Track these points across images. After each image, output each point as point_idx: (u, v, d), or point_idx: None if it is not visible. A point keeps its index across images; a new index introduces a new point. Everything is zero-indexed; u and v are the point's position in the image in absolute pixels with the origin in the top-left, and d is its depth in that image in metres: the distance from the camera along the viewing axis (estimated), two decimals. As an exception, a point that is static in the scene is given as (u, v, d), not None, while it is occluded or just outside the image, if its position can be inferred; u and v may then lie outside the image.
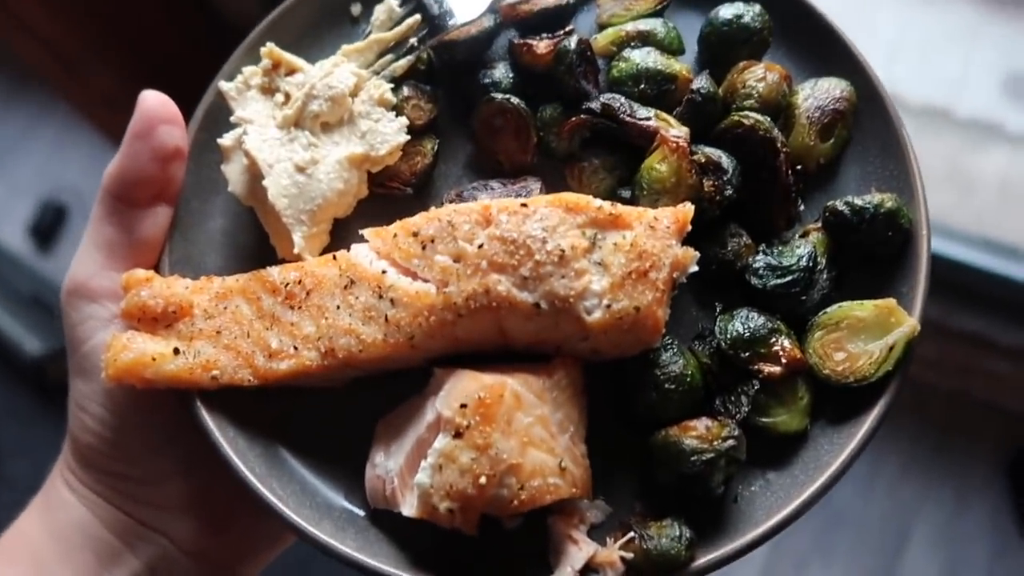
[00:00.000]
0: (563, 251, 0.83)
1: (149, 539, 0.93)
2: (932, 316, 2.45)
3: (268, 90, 1.03)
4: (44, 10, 2.11)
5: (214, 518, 0.96)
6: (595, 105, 0.96)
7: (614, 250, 0.84)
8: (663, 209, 0.87)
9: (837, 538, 2.72)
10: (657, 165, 0.92)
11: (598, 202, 0.86)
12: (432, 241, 0.87)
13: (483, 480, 0.79)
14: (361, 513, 0.89)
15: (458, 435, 0.80)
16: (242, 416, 0.92)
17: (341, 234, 1.02)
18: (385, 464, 0.87)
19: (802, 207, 0.99)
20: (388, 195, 1.03)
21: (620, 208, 0.86)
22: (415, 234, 0.88)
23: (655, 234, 0.85)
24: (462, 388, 0.82)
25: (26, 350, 2.81)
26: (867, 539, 2.72)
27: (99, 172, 0.96)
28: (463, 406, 0.81)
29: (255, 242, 1.03)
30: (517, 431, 0.80)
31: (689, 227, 0.88)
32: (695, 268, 0.88)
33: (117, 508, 0.92)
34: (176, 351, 0.89)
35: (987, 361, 2.61)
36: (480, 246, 0.84)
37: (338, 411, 0.95)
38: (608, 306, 0.82)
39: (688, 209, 0.87)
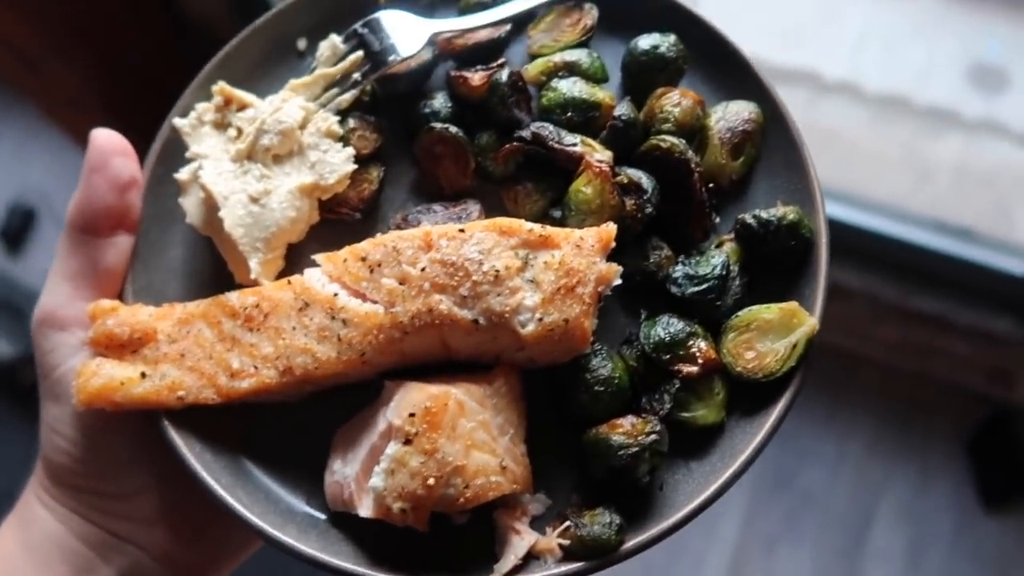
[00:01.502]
0: (498, 271, 0.92)
1: (122, 550, 0.99)
2: (892, 299, 2.55)
3: (221, 125, 1.10)
4: (6, 9, 2.10)
5: (185, 527, 1.02)
6: (526, 133, 1.05)
7: (544, 268, 0.93)
8: (588, 229, 0.96)
9: (806, 518, 2.82)
10: (583, 188, 1.01)
11: (529, 225, 0.95)
12: (379, 265, 0.95)
13: (431, 481, 0.87)
14: (322, 517, 0.97)
15: (408, 442, 0.89)
16: (207, 431, 0.99)
17: (295, 258, 1.09)
18: (343, 470, 0.95)
19: (717, 220, 1.09)
20: (338, 220, 1.10)
21: (549, 230, 0.95)
22: (363, 259, 0.96)
23: (581, 253, 0.94)
24: (410, 399, 0.90)
25: (-1, 354, 2.81)
26: (835, 518, 2.82)
27: (66, 174, 1.02)
28: (411, 415, 0.89)
29: (213, 269, 1.10)
30: (461, 435, 0.89)
31: (613, 244, 0.97)
32: (619, 281, 0.97)
33: (90, 522, 0.99)
34: (143, 375, 0.96)
35: (946, 341, 2.73)
36: (423, 269, 0.92)
37: (298, 423, 1.02)
38: (540, 319, 0.91)
39: (611, 229, 0.96)
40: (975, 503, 2.82)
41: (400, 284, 0.93)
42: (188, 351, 0.99)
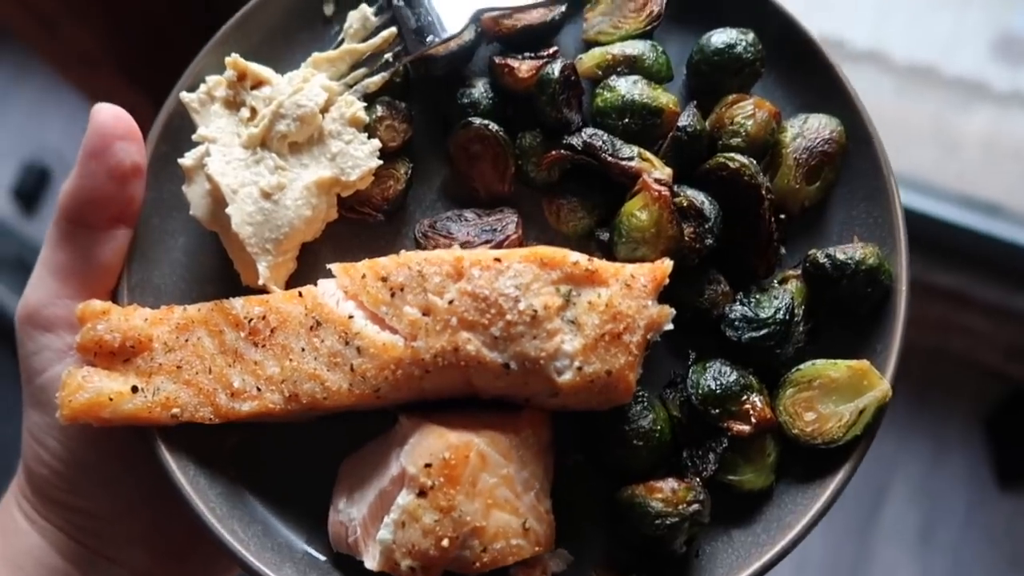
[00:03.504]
0: (535, 311, 0.80)
1: (105, 569, 0.93)
2: (912, 274, 2.51)
3: (233, 104, 0.98)
4: (19, -34, 1.98)
5: (172, 549, 0.95)
6: (576, 142, 0.92)
7: (588, 309, 0.82)
8: (640, 266, 0.84)
9: None
10: (637, 212, 0.89)
11: (574, 256, 0.83)
12: (401, 289, 0.84)
13: (446, 542, 0.78)
14: (323, 558, 0.89)
15: (422, 494, 0.79)
16: (203, 452, 0.91)
17: (308, 258, 0.99)
18: (348, 511, 0.86)
19: (783, 251, 0.97)
20: (359, 220, 0.99)
21: (596, 263, 0.84)
22: (384, 279, 0.85)
23: (631, 293, 0.82)
24: (427, 446, 0.81)
25: (10, 311, 2.78)
26: (847, 494, 2.78)
27: (81, 134, 0.91)
28: (428, 465, 0.80)
29: (220, 262, 0.99)
30: (481, 492, 0.80)
31: (667, 280, 0.86)
32: (670, 326, 0.86)
33: (72, 538, 0.91)
34: (134, 389, 0.87)
35: (965, 317, 2.66)
36: (451, 301, 0.82)
37: (302, 447, 0.93)
38: (580, 368, 0.81)
39: (666, 266, 0.85)
40: (989, 481, 2.79)
41: (424, 315, 0.82)
42: (186, 362, 0.89)
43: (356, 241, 0.99)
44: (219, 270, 0.99)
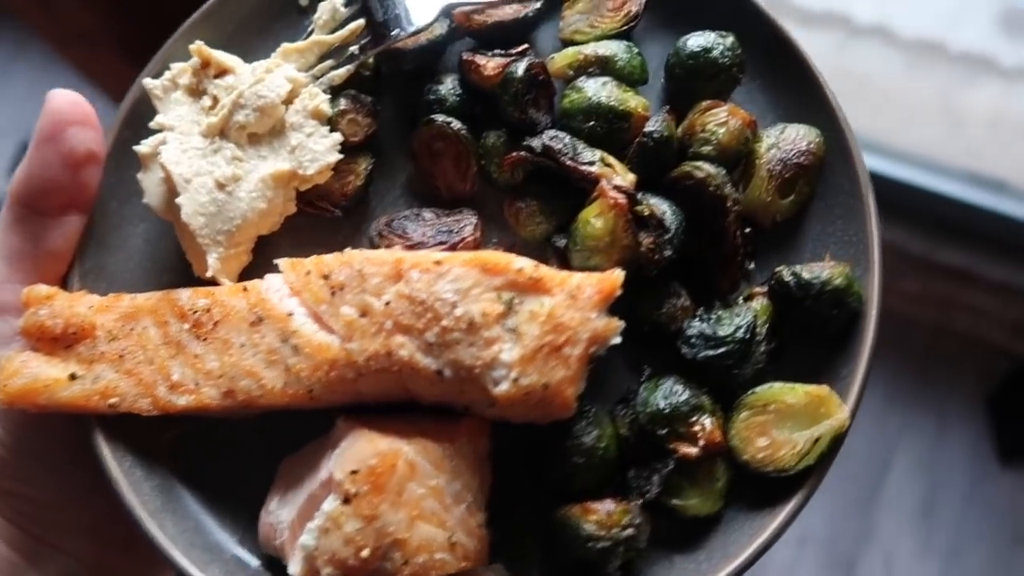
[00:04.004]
0: (473, 318, 0.78)
1: (52, 558, 0.92)
2: (917, 251, 2.52)
3: (196, 92, 0.96)
4: (16, -58, 2.00)
5: (117, 539, 0.94)
6: (536, 144, 0.89)
7: (529, 319, 0.79)
8: (588, 276, 0.81)
9: None
10: (593, 220, 0.86)
11: (519, 263, 0.80)
12: (341, 288, 0.82)
13: (365, 553, 0.76)
14: (254, 560, 0.87)
15: (347, 501, 0.77)
16: (143, 444, 0.89)
17: (266, 251, 0.97)
18: (279, 512, 0.84)
19: (751, 266, 0.93)
20: (317, 215, 0.97)
21: (542, 271, 0.81)
22: (326, 276, 0.83)
23: (575, 304, 0.79)
24: (356, 451, 0.79)
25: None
26: (850, 468, 2.79)
27: None
28: (354, 472, 0.77)
29: (181, 251, 0.98)
30: (407, 503, 0.77)
31: (618, 293, 0.82)
32: (618, 340, 0.82)
33: (18, 527, 0.91)
34: (72, 376, 0.86)
35: (970, 295, 2.65)
36: (387, 303, 0.79)
37: (246, 446, 0.91)
38: (516, 380, 0.78)
39: (616, 278, 0.81)
40: (991, 457, 2.78)
41: (361, 316, 0.80)
42: (129, 352, 0.88)
43: (315, 236, 0.97)
44: (179, 260, 0.98)
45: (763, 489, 0.84)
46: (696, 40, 0.94)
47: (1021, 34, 2.44)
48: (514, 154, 0.91)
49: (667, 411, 0.83)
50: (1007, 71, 2.45)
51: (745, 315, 0.87)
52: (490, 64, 0.94)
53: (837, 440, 0.82)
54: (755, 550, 0.81)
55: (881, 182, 2.40)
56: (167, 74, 0.97)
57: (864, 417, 2.81)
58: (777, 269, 0.88)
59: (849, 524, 2.74)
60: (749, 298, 0.90)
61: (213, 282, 0.92)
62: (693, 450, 0.82)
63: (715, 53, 0.93)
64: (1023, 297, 2.56)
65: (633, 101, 0.92)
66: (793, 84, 0.96)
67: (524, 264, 0.80)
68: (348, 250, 0.85)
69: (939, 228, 2.52)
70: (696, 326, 0.87)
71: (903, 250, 2.55)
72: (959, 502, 2.74)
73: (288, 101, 0.96)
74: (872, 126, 2.46)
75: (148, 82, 0.96)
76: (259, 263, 0.96)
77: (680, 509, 0.84)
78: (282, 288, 0.87)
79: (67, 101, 0.89)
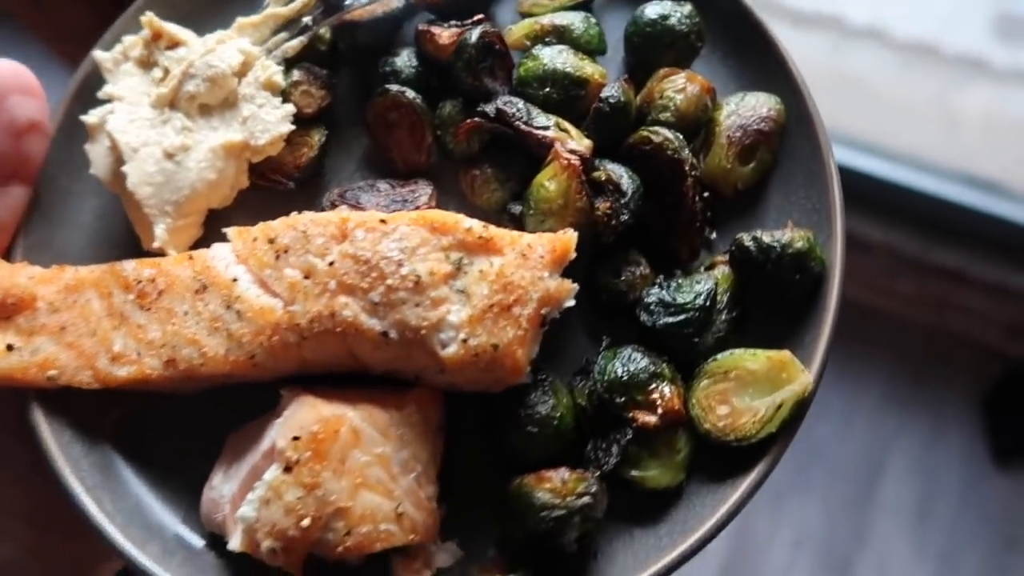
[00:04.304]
0: (419, 277, 0.75)
1: None
2: (912, 252, 2.53)
3: (147, 64, 0.95)
4: (10, -62, 2.00)
5: (58, 523, 0.90)
6: (490, 109, 0.87)
7: (479, 278, 0.76)
8: (539, 236, 0.79)
9: (815, 470, 2.77)
10: (547, 183, 0.84)
11: (468, 222, 0.78)
12: (286, 251, 0.79)
13: (307, 522, 0.72)
14: (196, 537, 0.83)
15: (288, 469, 0.74)
16: (85, 420, 0.86)
17: (220, 225, 0.93)
18: (221, 487, 0.81)
19: (713, 235, 0.91)
20: (269, 188, 0.95)
21: (492, 231, 0.78)
22: (272, 240, 0.81)
23: (526, 264, 0.77)
24: (299, 418, 0.75)
25: None
26: (844, 470, 2.78)
27: None
28: (296, 438, 0.74)
29: (131, 227, 0.95)
30: (351, 471, 0.74)
31: (573, 255, 0.80)
32: (572, 303, 0.80)
33: None
34: (9, 347, 0.83)
35: (964, 296, 2.65)
36: (331, 263, 0.77)
37: (191, 419, 0.88)
38: (465, 341, 0.75)
39: (568, 238, 0.79)
40: (986, 459, 2.76)
41: (304, 278, 0.78)
42: (70, 324, 0.85)
43: (269, 210, 0.94)
44: (129, 236, 0.95)
45: (726, 460, 0.81)
46: (653, 8, 0.92)
47: (1015, 37, 2.47)
48: (468, 121, 0.89)
49: (625, 378, 0.80)
50: (1001, 73, 2.47)
51: (706, 282, 0.85)
52: (445, 34, 0.93)
53: (800, 406, 0.79)
54: (716, 523, 0.78)
55: (876, 183, 2.42)
56: (118, 47, 0.95)
57: (858, 419, 2.80)
58: (738, 235, 0.85)
59: (844, 526, 2.72)
60: (711, 267, 0.88)
61: (161, 254, 0.90)
62: (652, 418, 0.79)
63: (672, 20, 0.92)
64: (1018, 298, 2.55)
65: (590, 68, 0.91)
66: (754, 54, 0.95)
67: (473, 224, 0.78)
68: (294, 213, 0.82)
69: (933, 229, 2.53)
70: (655, 293, 0.84)
71: (898, 251, 2.55)
72: (954, 505, 2.72)
73: (241, 74, 0.94)
74: (866, 128, 2.48)
75: (99, 54, 0.95)
76: (212, 238, 0.93)
77: (639, 481, 0.80)
78: (229, 256, 0.84)
79: (8, 71, 0.87)
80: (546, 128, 0.86)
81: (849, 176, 2.29)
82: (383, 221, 0.77)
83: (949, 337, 2.86)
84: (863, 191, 2.39)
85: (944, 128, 2.48)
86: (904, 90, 2.48)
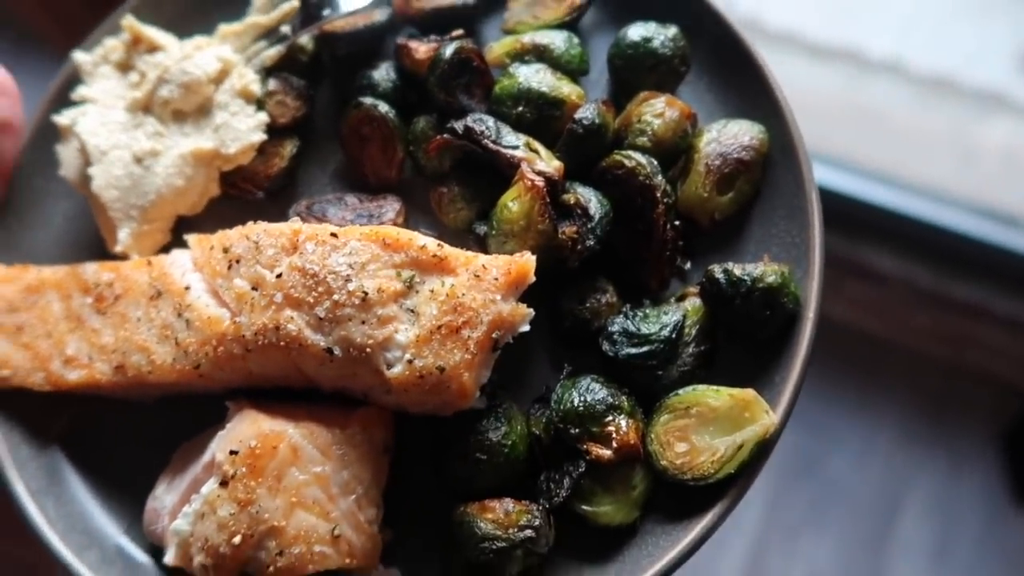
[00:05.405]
0: (366, 293, 0.73)
1: None
2: (928, 285, 2.49)
3: (125, 67, 0.95)
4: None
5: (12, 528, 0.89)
6: (458, 126, 0.85)
7: (429, 298, 0.74)
8: (495, 257, 0.76)
9: (830, 507, 2.69)
10: (510, 203, 0.81)
11: (422, 240, 0.76)
12: (238, 261, 0.78)
13: (237, 539, 0.70)
14: (137, 549, 0.82)
15: (224, 484, 0.72)
16: (35, 421, 0.85)
17: (190, 233, 0.93)
18: (164, 498, 0.79)
19: (688, 266, 0.87)
20: (239, 197, 0.94)
21: (447, 250, 0.76)
22: (226, 250, 0.80)
23: (479, 285, 0.74)
24: (239, 431, 0.74)
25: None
26: (860, 508, 2.69)
27: None
28: (233, 452, 0.72)
29: (99, 231, 0.95)
30: (287, 489, 0.72)
31: (532, 279, 0.77)
32: (526, 328, 0.77)
33: None
34: (-38, 346, 0.82)
35: (983, 331, 2.59)
36: (279, 275, 0.75)
37: (145, 428, 0.87)
38: (410, 361, 0.73)
39: (525, 261, 0.76)
40: (1006, 499, 2.65)
41: (252, 289, 0.76)
42: (28, 325, 0.84)
43: (240, 219, 0.93)
44: (100, 240, 0.95)
45: (682, 499, 0.77)
46: (636, 30, 0.90)
47: (1037, 73, 2.43)
48: (438, 138, 0.87)
49: (580, 409, 0.77)
50: (1021, 108, 2.43)
51: (673, 314, 0.81)
52: (422, 48, 0.92)
53: (762, 447, 0.75)
54: (668, 563, 0.74)
55: (893, 216, 2.39)
56: (98, 49, 0.95)
57: (875, 455, 2.73)
58: (709, 267, 0.82)
59: (860, 566, 2.62)
60: (682, 298, 0.85)
61: (125, 258, 0.89)
62: (606, 452, 0.76)
63: (655, 43, 0.89)
64: (1037, 334, 2.46)
65: (567, 88, 0.88)
66: (742, 80, 0.92)
67: (427, 242, 0.76)
68: (250, 223, 0.81)
69: (951, 263, 2.47)
70: (620, 322, 0.81)
71: (914, 285, 2.50)
72: (972, 545, 2.61)
73: (218, 81, 0.94)
74: (884, 160, 2.45)
75: (79, 55, 0.95)
76: (182, 245, 0.92)
77: (591, 516, 0.77)
78: (187, 264, 0.83)
79: None
80: (515, 148, 0.84)
81: (866, 209, 2.24)
82: (334, 235, 0.75)
83: (967, 373, 2.77)
84: (881, 223, 2.35)
85: (963, 161, 2.45)
86: (923, 123, 2.44)
